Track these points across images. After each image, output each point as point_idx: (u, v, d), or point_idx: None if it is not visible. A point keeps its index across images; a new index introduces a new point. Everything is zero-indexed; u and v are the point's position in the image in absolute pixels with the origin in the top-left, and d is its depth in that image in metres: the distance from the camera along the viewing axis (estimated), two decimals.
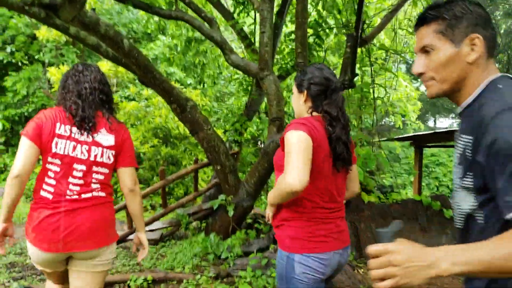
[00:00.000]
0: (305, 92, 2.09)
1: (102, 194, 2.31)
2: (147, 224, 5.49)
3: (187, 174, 5.73)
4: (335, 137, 1.97)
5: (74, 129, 2.24)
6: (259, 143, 14.44)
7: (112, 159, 2.34)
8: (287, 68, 6.84)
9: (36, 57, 11.89)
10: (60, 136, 2.19)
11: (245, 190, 5.65)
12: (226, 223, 5.69)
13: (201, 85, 11.89)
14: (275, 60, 6.81)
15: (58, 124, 2.19)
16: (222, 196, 5.62)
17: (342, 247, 2.05)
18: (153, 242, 5.46)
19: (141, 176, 9.54)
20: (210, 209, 5.73)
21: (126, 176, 2.38)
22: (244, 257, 4.87)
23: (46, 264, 2.25)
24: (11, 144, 13.86)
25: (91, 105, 2.28)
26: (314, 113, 2.07)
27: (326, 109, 2.03)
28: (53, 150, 2.18)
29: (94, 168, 2.27)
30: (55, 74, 9.41)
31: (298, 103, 2.15)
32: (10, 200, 2.11)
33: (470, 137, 1.18)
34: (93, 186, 2.26)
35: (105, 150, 2.30)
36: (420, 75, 1.32)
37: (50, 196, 2.16)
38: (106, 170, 2.32)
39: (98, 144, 2.28)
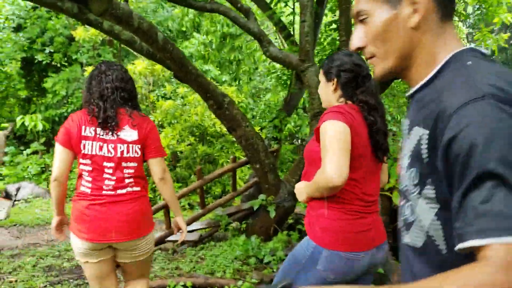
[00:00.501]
0: (335, 80, 1.96)
1: (137, 188, 2.42)
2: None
3: (225, 173, 5.48)
4: (376, 128, 1.87)
5: (99, 129, 2.34)
6: (295, 140, 14.10)
7: (139, 152, 2.44)
8: None
9: (74, 58, 11.98)
10: (86, 138, 2.33)
11: (286, 189, 5.35)
12: (267, 224, 5.42)
13: (236, 82, 11.66)
14: (315, 51, 6.47)
15: (83, 127, 2.33)
16: (262, 196, 5.35)
17: (375, 245, 1.90)
18: (191, 244, 5.25)
19: (178, 175, 9.40)
20: (250, 209, 5.47)
21: (155, 166, 2.48)
22: None
23: (87, 253, 2.38)
24: (52, 144, 14.07)
25: (112, 104, 2.37)
26: (349, 102, 1.95)
27: (362, 98, 1.90)
28: (82, 151, 2.33)
29: (123, 164, 2.37)
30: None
31: (327, 92, 2.02)
32: (55, 199, 2.39)
33: (426, 132, 0.85)
34: (127, 181, 2.38)
35: (130, 145, 2.39)
36: (360, 51, 1.01)
37: (89, 191, 2.34)
38: (135, 164, 2.42)
39: (123, 141, 2.37)
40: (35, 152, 12.23)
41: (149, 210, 2.51)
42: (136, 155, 2.41)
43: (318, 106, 5.25)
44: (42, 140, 11.99)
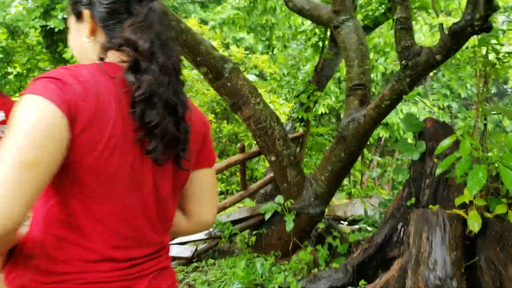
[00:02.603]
0: (87, 13, 1.00)
1: None
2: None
3: (231, 166, 4.07)
4: (144, 92, 0.89)
5: None
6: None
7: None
8: (376, 15, 4.87)
9: None
10: None
11: (312, 190, 3.93)
12: (286, 237, 4.04)
13: (270, 50, 10.14)
14: (358, 5, 4.87)
15: None
16: (279, 198, 3.95)
17: None
18: (183, 262, 3.95)
19: None
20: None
21: None
22: None
23: None
24: None
25: None
26: (112, 54, 0.96)
27: (127, 36, 0.93)
28: None
29: None
30: None
31: (80, 41, 1.03)
32: None
33: None
34: None
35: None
36: None
37: None
38: None
39: None
40: None
41: None
42: (3, 135, 2.32)
43: (358, 76, 3.74)
44: None
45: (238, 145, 4.03)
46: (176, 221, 1.12)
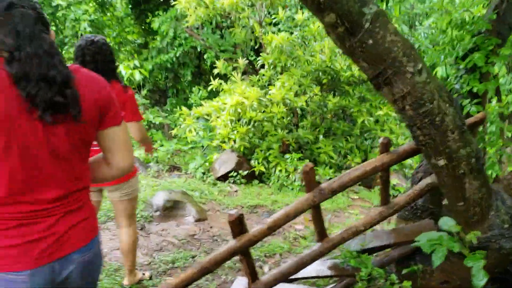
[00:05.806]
0: None
1: None
2: (289, 274, 2.66)
3: (368, 176, 2.57)
4: (20, 73, 1.28)
5: None
6: None
7: None
8: None
9: None
10: None
11: (504, 211, 2.40)
12: (459, 280, 2.57)
13: (383, 3, 8.34)
14: None
15: None
16: (450, 225, 2.44)
17: (53, 258, 1.39)
18: None
19: (300, 139, 6.73)
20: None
21: None
22: None
23: None
24: (167, 95, 12.54)
25: None
26: None
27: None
28: None
29: None
30: (181, 3, 7.05)
31: None
32: None
33: None
34: None
35: None
36: None
37: None
38: None
39: None
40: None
41: None
42: None
43: None
44: (144, 91, 10.26)
45: (381, 140, 2.51)
46: (100, 169, 1.59)
